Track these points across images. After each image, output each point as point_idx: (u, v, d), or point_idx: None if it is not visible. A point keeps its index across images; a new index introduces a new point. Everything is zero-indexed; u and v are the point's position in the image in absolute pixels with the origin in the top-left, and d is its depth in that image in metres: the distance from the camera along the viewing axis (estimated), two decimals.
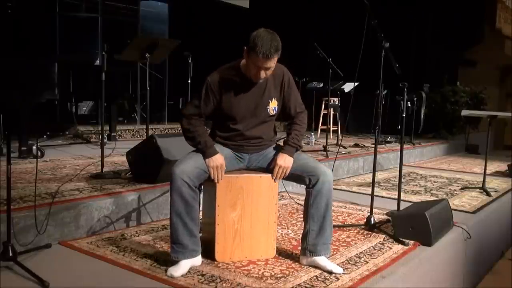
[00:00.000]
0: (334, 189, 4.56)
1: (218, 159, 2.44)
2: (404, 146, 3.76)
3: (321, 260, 2.49)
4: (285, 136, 2.67)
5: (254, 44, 2.32)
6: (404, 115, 3.49)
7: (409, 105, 7.01)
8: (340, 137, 7.24)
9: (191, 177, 2.34)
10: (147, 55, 4.40)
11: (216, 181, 2.46)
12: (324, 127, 7.78)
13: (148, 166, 3.47)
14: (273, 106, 2.56)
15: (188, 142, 2.53)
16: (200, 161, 2.42)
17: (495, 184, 5.41)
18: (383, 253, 2.80)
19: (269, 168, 2.58)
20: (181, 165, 2.36)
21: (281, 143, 2.74)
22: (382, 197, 4.42)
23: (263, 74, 2.40)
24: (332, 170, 4.72)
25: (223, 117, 2.54)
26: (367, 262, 2.62)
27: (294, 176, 2.57)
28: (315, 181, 2.47)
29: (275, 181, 2.56)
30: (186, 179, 2.33)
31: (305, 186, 2.55)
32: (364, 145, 6.71)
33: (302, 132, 2.63)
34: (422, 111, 8.40)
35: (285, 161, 2.51)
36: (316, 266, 2.49)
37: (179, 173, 2.33)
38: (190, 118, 2.50)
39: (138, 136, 6.79)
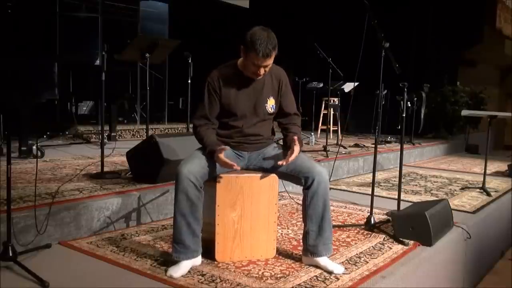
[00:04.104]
0: (334, 189, 4.61)
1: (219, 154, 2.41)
2: (404, 146, 3.76)
3: (322, 260, 2.49)
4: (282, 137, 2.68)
5: (252, 43, 2.34)
6: (404, 115, 3.49)
7: (409, 105, 7.00)
8: (340, 137, 7.24)
9: (198, 177, 2.34)
10: (147, 55, 4.39)
11: (232, 168, 2.39)
12: (324, 127, 7.78)
13: (148, 166, 3.47)
14: (271, 104, 2.58)
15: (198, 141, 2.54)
16: (206, 161, 2.42)
17: (495, 184, 5.41)
18: (383, 253, 2.80)
19: (276, 164, 2.52)
20: (187, 165, 2.36)
21: (280, 143, 2.75)
22: (382, 197, 4.42)
23: (262, 71, 2.44)
24: (332, 170, 4.76)
25: (223, 115, 2.55)
26: (367, 262, 2.62)
27: (290, 177, 2.57)
28: (311, 182, 2.46)
29: (286, 163, 2.47)
30: (193, 180, 2.32)
31: (302, 187, 2.55)
32: (364, 145, 6.71)
33: (297, 128, 2.65)
34: (422, 111, 8.40)
35: (298, 149, 2.49)
36: (318, 267, 2.49)
37: (186, 173, 2.32)
38: (199, 125, 2.51)
39: (138, 136, 6.79)
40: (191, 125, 5.14)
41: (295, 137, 2.51)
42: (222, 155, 2.37)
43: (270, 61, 2.42)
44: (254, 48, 2.34)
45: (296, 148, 2.47)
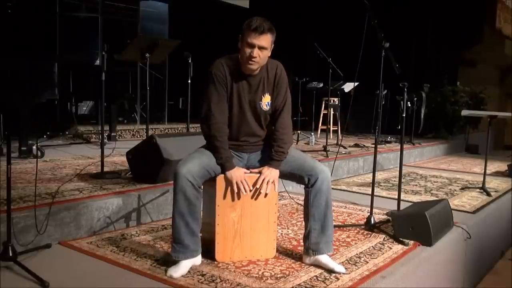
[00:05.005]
0: (334, 189, 4.61)
1: (238, 172, 2.46)
2: (404, 146, 3.76)
3: (324, 258, 2.49)
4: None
5: (248, 22, 2.38)
6: (404, 115, 3.49)
7: (409, 105, 7.00)
8: (340, 137, 7.24)
9: (196, 177, 2.34)
10: (147, 55, 4.39)
11: (244, 193, 2.47)
12: (324, 127, 7.79)
13: (148, 166, 3.47)
14: (266, 101, 2.53)
15: (208, 146, 2.49)
16: (205, 161, 2.41)
17: (495, 184, 5.41)
18: (383, 253, 2.80)
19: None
20: (186, 165, 2.35)
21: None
22: (382, 197, 4.42)
23: (256, 52, 2.37)
24: (332, 170, 4.76)
25: None
26: (367, 262, 2.62)
27: (293, 176, 2.57)
28: (314, 180, 2.48)
29: (264, 197, 2.54)
30: (191, 179, 2.32)
31: (303, 186, 2.55)
32: (364, 145, 6.71)
33: (286, 140, 2.53)
34: (422, 111, 8.40)
35: (271, 173, 2.50)
36: (319, 265, 2.49)
37: (185, 172, 2.31)
38: (216, 122, 2.43)
39: (138, 136, 6.78)
40: (191, 125, 5.17)
41: (264, 170, 2.51)
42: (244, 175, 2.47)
43: (264, 42, 2.36)
44: (249, 26, 2.36)
45: (261, 177, 2.49)
